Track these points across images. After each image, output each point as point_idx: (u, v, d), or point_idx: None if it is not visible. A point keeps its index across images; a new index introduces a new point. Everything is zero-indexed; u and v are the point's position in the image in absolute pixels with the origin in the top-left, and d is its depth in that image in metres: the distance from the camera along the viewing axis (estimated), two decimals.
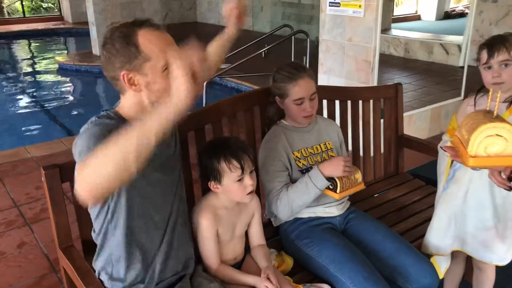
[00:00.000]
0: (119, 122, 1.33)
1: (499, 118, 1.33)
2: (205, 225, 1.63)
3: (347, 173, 1.77)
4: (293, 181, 1.90)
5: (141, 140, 1.08)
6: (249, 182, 1.63)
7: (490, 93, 1.45)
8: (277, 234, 2.04)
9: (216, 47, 1.79)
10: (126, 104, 1.39)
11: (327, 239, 1.84)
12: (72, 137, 4.59)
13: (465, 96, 4.78)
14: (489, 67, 1.73)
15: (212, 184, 1.64)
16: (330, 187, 1.78)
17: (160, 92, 1.32)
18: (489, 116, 1.32)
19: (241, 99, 2.00)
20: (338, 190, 1.77)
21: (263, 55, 6.43)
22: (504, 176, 1.49)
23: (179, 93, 1.08)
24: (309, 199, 1.82)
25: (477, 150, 1.28)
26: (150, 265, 1.49)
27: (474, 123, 1.30)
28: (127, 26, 1.33)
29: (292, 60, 5.52)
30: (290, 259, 1.90)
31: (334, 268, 1.74)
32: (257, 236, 1.80)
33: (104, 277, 1.49)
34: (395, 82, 2.58)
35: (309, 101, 1.88)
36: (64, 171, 1.58)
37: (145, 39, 1.30)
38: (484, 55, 1.73)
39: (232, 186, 1.62)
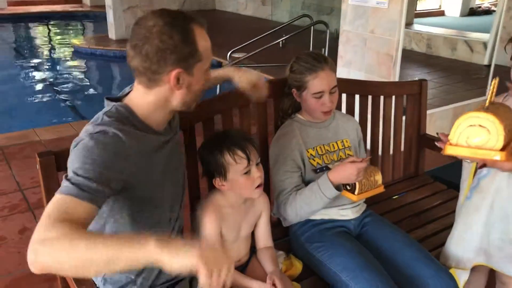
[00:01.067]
0: (127, 125, 1.23)
1: (490, 108, 1.21)
2: (208, 223, 1.51)
3: (359, 171, 1.60)
4: (306, 181, 1.77)
5: (109, 263, 0.93)
6: (257, 174, 1.51)
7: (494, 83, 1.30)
8: (286, 235, 1.91)
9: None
10: (148, 96, 1.26)
11: (340, 244, 1.71)
12: (83, 122, 4.53)
13: None
14: None
15: (217, 182, 1.51)
16: (348, 187, 1.65)
17: (197, 93, 1.29)
18: (483, 105, 1.23)
19: None
20: (356, 192, 1.64)
21: (280, 45, 6.27)
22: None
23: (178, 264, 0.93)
24: (318, 207, 1.70)
25: (458, 138, 1.24)
26: (147, 269, 1.38)
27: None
28: (181, 19, 1.20)
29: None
30: (299, 263, 1.77)
31: (346, 276, 1.61)
32: (264, 238, 1.68)
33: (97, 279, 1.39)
34: (416, 78, 2.43)
35: (329, 95, 1.74)
36: (60, 159, 1.47)
37: (201, 38, 1.22)
38: None
39: (239, 180, 1.49)
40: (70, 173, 1.13)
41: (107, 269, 0.96)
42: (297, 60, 1.78)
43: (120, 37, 7.69)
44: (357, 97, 2.22)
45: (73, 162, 1.14)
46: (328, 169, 1.80)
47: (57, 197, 1.09)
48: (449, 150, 1.27)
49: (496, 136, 1.21)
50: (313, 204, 1.69)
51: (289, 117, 1.88)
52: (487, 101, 1.26)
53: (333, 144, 1.85)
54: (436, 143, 1.50)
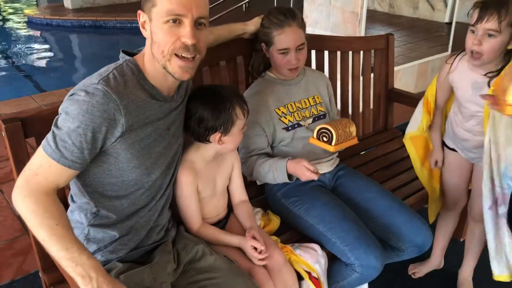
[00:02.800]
0: (129, 82, 1.24)
1: None
2: (185, 182, 1.49)
3: (308, 178, 1.62)
4: (277, 139, 1.78)
5: (44, 241, 1.13)
6: (245, 129, 1.55)
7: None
8: (262, 193, 1.93)
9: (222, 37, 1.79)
10: (145, 50, 1.30)
11: (316, 197, 1.74)
12: (44, 94, 4.38)
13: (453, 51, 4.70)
14: (474, 31, 1.55)
15: (217, 137, 1.47)
16: (325, 139, 1.66)
17: (157, 45, 1.22)
18: None
19: (223, 47, 1.83)
20: (333, 143, 1.64)
21: (244, 9, 6.17)
22: None
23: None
24: (270, 181, 1.75)
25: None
26: (134, 230, 1.37)
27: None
28: None
29: None
30: (277, 218, 1.80)
31: (323, 227, 1.64)
32: (238, 191, 1.68)
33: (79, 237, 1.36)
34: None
35: (295, 52, 1.71)
36: (28, 125, 1.41)
37: None
38: (474, 15, 1.54)
39: (238, 135, 1.51)
40: (60, 122, 1.17)
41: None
42: (267, 15, 1.75)
43: (76, 6, 7.40)
44: (326, 53, 2.21)
45: (65, 116, 1.16)
46: (300, 126, 1.80)
47: (42, 155, 1.17)
48: (510, 111, 1.33)
49: None
50: (266, 178, 1.73)
51: (259, 75, 1.86)
52: None
53: (304, 101, 1.85)
54: (488, 105, 1.53)
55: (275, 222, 1.78)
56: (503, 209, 1.71)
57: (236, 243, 1.53)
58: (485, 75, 1.62)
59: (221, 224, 1.65)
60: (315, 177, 1.59)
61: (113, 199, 1.32)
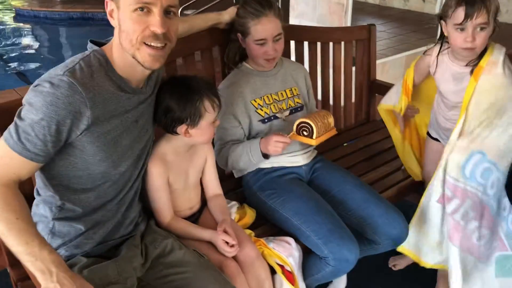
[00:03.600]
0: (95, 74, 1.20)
1: None
2: (155, 174, 1.46)
3: (279, 148, 1.60)
4: (254, 131, 1.75)
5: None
6: (217, 123, 1.50)
7: None
8: (240, 186, 1.90)
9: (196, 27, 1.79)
10: (114, 41, 1.25)
11: (291, 190, 1.71)
12: (27, 87, 4.31)
13: None
14: (463, 29, 1.52)
15: (183, 129, 1.44)
16: (305, 133, 1.62)
17: (125, 34, 1.19)
18: None
19: (198, 37, 1.79)
20: (314, 136, 1.61)
21: (234, 1, 6.12)
22: None
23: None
24: (245, 166, 1.74)
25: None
26: (100, 224, 1.34)
27: None
28: None
29: None
30: (252, 212, 1.78)
31: (298, 220, 1.62)
32: (212, 184, 1.65)
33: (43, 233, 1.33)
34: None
35: (273, 42, 1.68)
36: None
37: None
38: (461, 14, 1.50)
39: (207, 128, 1.46)
40: (23, 114, 1.13)
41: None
42: (243, 4, 1.71)
43: None
44: (306, 44, 2.19)
45: (29, 108, 1.13)
46: (276, 118, 1.78)
47: (3, 146, 1.14)
48: None
49: None
50: (241, 163, 1.70)
51: (236, 66, 1.83)
52: None
53: (281, 93, 1.82)
54: None
55: (251, 215, 1.76)
56: (452, 206, 1.68)
57: (207, 237, 1.50)
58: (466, 65, 1.61)
59: (195, 217, 1.62)
60: (288, 141, 1.58)
61: (78, 192, 1.28)
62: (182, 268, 1.36)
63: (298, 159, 1.81)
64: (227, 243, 1.46)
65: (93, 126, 1.19)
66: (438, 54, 1.71)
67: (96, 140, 1.22)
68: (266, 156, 1.65)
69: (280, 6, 4.91)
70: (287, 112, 1.81)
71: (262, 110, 1.77)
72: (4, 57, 5.63)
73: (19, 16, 7.24)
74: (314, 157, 1.89)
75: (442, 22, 1.61)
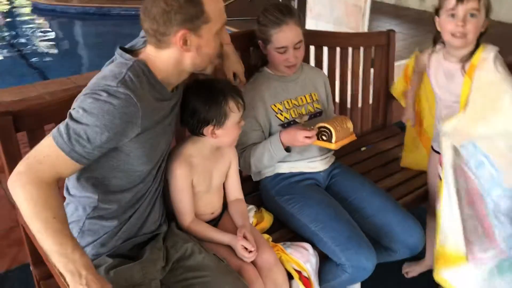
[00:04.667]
0: (145, 87, 1.24)
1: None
2: (179, 175, 1.49)
3: (305, 144, 1.63)
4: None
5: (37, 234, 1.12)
6: (242, 123, 1.52)
7: None
8: (257, 190, 1.92)
9: None
10: (160, 57, 1.28)
11: (309, 196, 1.73)
12: (46, 82, 4.37)
13: None
14: (453, 15, 1.55)
15: (209, 130, 1.46)
16: (324, 138, 1.63)
17: (207, 56, 1.30)
18: None
19: None
20: (333, 140, 1.62)
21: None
22: None
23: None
24: (269, 163, 1.74)
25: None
26: (128, 221, 1.38)
27: None
28: None
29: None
30: (269, 216, 1.79)
31: (315, 226, 1.64)
32: (234, 188, 1.67)
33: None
34: (387, 29, 2.40)
35: (293, 50, 1.70)
36: (19, 119, 1.41)
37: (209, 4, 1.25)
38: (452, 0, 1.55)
39: (233, 128, 1.49)
40: (76, 116, 1.15)
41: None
42: (264, 12, 1.72)
43: None
44: (325, 49, 2.19)
45: (83, 113, 1.15)
46: (295, 123, 1.79)
47: (51, 145, 1.15)
48: None
49: None
50: (263, 161, 1.71)
51: (257, 70, 1.85)
52: None
53: (301, 98, 1.84)
54: None
55: (268, 220, 1.78)
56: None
57: (227, 242, 1.52)
58: (458, 62, 1.63)
59: (215, 222, 1.64)
60: (311, 134, 1.60)
61: (117, 193, 1.34)
62: (201, 272, 1.39)
63: (316, 165, 1.83)
64: (246, 248, 1.48)
65: (141, 134, 1.24)
66: (432, 52, 1.74)
67: (141, 146, 1.28)
68: (288, 149, 1.67)
69: (296, 7, 4.92)
70: (306, 117, 1.82)
71: (282, 115, 1.78)
72: (22, 51, 5.69)
73: (36, 9, 7.30)
74: (332, 163, 1.90)
75: (436, 18, 1.64)
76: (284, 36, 1.67)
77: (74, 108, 1.18)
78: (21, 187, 1.11)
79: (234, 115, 1.46)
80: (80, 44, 6.22)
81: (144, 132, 1.25)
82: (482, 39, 1.61)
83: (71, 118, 1.16)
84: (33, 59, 5.39)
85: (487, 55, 1.59)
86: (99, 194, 1.31)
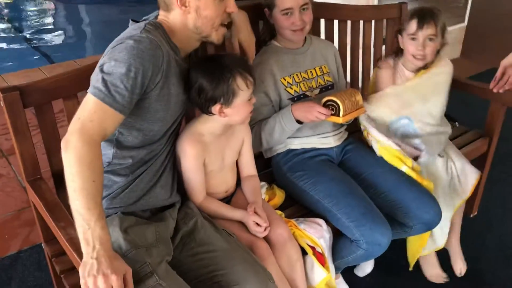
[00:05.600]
0: (162, 41, 1.30)
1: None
2: (191, 155, 1.45)
3: (318, 119, 1.60)
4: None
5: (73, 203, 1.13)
6: (253, 101, 1.46)
7: None
8: (269, 167, 1.89)
9: None
10: (169, 20, 1.37)
11: (322, 171, 1.69)
12: (53, 66, 4.36)
13: (469, 23, 4.55)
14: (414, 39, 1.77)
15: (217, 108, 1.40)
16: (332, 111, 1.60)
17: (207, 19, 1.34)
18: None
19: None
20: (341, 114, 1.59)
21: None
22: None
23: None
24: (280, 137, 1.70)
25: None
26: (139, 177, 1.38)
27: None
28: None
29: None
30: (281, 193, 1.77)
31: (329, 202, 1.60)
32: (248, 165, 1.63)
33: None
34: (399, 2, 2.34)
35: (299, 12, 1.65)
36: (26, 95, 1.39)
37: None
38: (413, 25, 1.76)
39: (243, 106, 1.42)
40: (108, 69, 1.20)
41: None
42: None
43: None
44: (335, 22, 2.14)
45: (115, 63, 1.20)
46: (306, 96, 1.75)
47: (94, 101, 1.18)
48: None
49: None
50: (275, 135, 1.68)
51: (265, 44, 1.80)
52: None
53: (310, 71, 1.79)
54: None
55: (280, 196, 1.75)
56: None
57: (239, 218, 1.50)
58: (414, 71, 1.87)
59: (228, 199, 1.62)
60: (323, 117, 1.58)
61: (131, 149, 1.35)
62: (211, 246, 1.37)
63: (329, 141, 1.79)
64: (258, 225, 1.45)
65: (161, 82, 1.29)
66: (396, 64, 1.91)
67: (159, 100, 1.31)
68: (299, 121, 1.64)
69: None
70: (317, 91, 1.79)
71: (291, 88, 1.74)
72: (27, 35, 5.66)
73: None
74: (345, 139, 1.86)
75: (399, 36, 1.85)
76: None
77: (104, 63, 1.22)
78: (73, 145, 1.14)
79: (242, 92, 1.40)
80: (86, 29, 6.18)
81: (164, 81, 1.30)
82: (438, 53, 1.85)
83: (104, 72, 1.20)
84: (39, 43, 5.37)
85: (442, 69, 1.87)
86: (114, 149, 1.34)
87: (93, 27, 6.18)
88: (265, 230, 1.45)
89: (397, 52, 1.90)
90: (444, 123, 1.94)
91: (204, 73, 1.38)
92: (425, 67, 1.86)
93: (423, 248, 1.85)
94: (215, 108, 1.41)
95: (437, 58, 1.87)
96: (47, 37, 5.65)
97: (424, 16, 1.74)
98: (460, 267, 1.99)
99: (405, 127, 1.87)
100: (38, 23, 6.23)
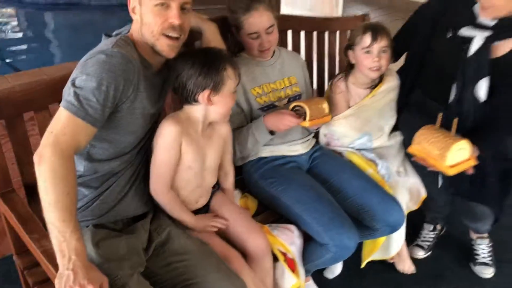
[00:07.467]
0: (131, 54, 1.32)
1: (455, 135, 1.61)
2: (168, 131, 1.41)
3: (290, 126, 1.68)
4: (254, 119, 1.78)
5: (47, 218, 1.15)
6: (235, 96, 1.51)
7: None
8: (240, 174, 1.93)
9: None
10: (133, 29, 1.40)
11: (292, 178, 1.75)
12: (19, 73, 4.26)
13: None
14: (369, 52, 1.82)
15: (205, 95, 1.41)
16: (299, 117, 1.68)
17: (147, 26, 1.34)
18: (445, 133, 1.62)
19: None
20: (307, 118, 1.67)
21: None
22: None
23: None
24: (253, 148, 1.75)
25: (451, 161, 1.58)
26: (109, 188, 1.40)
27: (438, 141, 1.59)
28: None
29: None
30: (254, 200, 1.82)
31: (299, 208, 1.66)
32: (227, 163, 1.66)
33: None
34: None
35: (266, 34, 1.71)
36: None
37: None
38: (367, 39, 1.82)
39: (228, 98, 1.46)
40: (80, 83, 1.23)
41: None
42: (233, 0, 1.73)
43: None
44: (302, 34, 2.21)
45: (87, 77, 1.23)
46: (275, 106, 1.81)
47: (66, 115, 1.21)
48: (452, 171, 1.61)
49: None
50: (248, 145, 1.73)
51: (235, 55, 1.85)
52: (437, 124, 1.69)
53: (279, 82, 1.85)
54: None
55: (253, 204, 1.80)
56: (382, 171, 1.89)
57: (189, 221, 1.50)
58: (366, 88, 1.94)
59: (203, 211, 1.60)
60: (296, 122, 1.65)
61: (102, 161, 1.38)
62: (184, 256, 1.40)
63: (297, 148, 1.85)
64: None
65: (134, 94, 1.33)
66: (347, 86, 1.95)
67: (131, 111, 1.34)
68: (272, 132, 1.70)
69: None
70: (285, 101, 1.85)
71: (261, 98, 1.79)
72: None
73: (4, 1, 7.08)
74: (313, 146, 1.93)
75: (349, 52, 1.89)
76: (254, 21, 1.68)
77: (76, 77, 1.25)
78: (47, 159, 1.16)
79: (231, 82, 1.44)
80: (50, 36, 6.07)
81: (136, 96, 1.33)
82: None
83: (76, 86, 1.23)
84: (3, 51, 5.24)
85: (390, 84, 1.94)
86: (85, 162, 1.36)
87: (59, 33, 6.07)
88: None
89: (347, 70, 1.95)
90: (396, 135, 2.02)
91: (195, 61, 1.41)
92: (377, 82, 1.94)
93: (374, 253, 1.92)
94: (204, 95, 1.42)
95: (387, 71, 1.95)
96: (10, 44, 5.53)
97: (376, 29, 1.82)
98: (409, 266, 2.09)
99: (365, 142, 1.96)
100: (1, 28, 6.09)
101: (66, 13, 6.67)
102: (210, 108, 1.46)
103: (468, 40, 1.69)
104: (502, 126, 1.73)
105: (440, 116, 1.67)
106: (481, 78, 1.69)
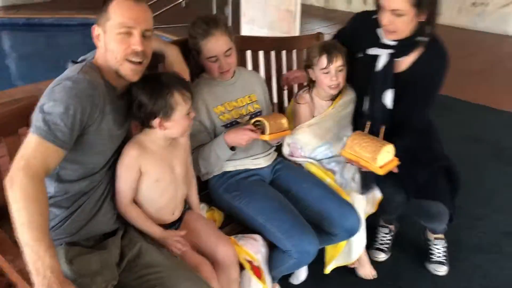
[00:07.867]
0: (96, 79, 1.40)
1: (381, 140, 1.80)
2: (127, 153, 1.52)
3: (250, 140, 1.78)
4: (217, 136, 1.87)
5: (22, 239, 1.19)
6: (192, 115, 1.57)
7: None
8: (206, 188, 2.02)
9: None
10: (98, 55, 1.47)
11: (255, 191, 1.85)
12: None
13: None
14: (327, 72, 1.96)
15: (157, 122, 1.50)
16: (260, 131, 1.79)
17: (111, 52, 1.41)
18: (374, 138, 1.80)
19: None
20: (267, 132, 1.78)
21: (183, 5, 6.18)
22: None
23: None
24: (215, 163, 1.85)
25: (381, 162, 1.75)
26: (80, 208, 1.46)
27: (369, 146, 1.76)
28: None
29: (214, 10, 5.35)
30: (220, 213, 1.91)
31: (262, 218, 1.76)
32: (190, 172, 1.76)
33: None
34: (317, 32, 2.59)
35: (225, 57, 1.81)
36: None
37: (115, 3, 1.41)
38: (324, 61, 1.95)
39: (182, 120, 1.52)
40: (48, 109, 1.30)
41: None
42: (192, 25, 1.83)
43: (8, 3, 7.07)
44: (261, 53, 2.33)
45: (54, 103, 1.30)
46: (237, 123, 1.91)
47: (36, 139, 1.28)
48: (382, 171, 1.77)
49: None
50: (210, 161, 1.83)
51: (197, 76, 1.95)
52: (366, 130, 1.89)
53: (241, 100, 1.96)
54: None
55: (219, 216, 1.89)
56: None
57: (157, 235, 1.56)
58: (327, 100, 2.08)
59: (175, 226, 1.67)
60: (256, 136, 1.76)
61: (72, 182, 1.44)
62: (156, 268, 1.47)
63: (260, 161, 1.96)
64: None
65: (100, 117, 1.40)
66: (311, 97, 2.09)
67: (98, 133, 1.41)
68: (233, 148, 1.80)
69: (230, 12, 5.02)
70: (247, 117, 1.95)
71: (224, 116, 1.89)
72: None
73: None
74: (274, 159, 2.04)
75: (309, 70, 2.03)
76: (212, 46, 1.78)
77: (44, 103, 1.32)
78: (19, 182, 1.22)
79: (180, 107, 1.50)
80: (11, 57, 6.00)
81: (102, 119, 1.40)
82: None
83: (45, 112, 1.30)
84: None
85: (349, 97, 2.09)
86: (56, 184, 1.43)
87: (19, 54, 6.02)
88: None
89: (310, 84, 2.10)
90: None
91: (144, 90, 1.49)
92: (337, 94, 2.08)
93: (336, 259, 2.03)
94: (155, 122, 1.51)
95: (343, 91, 2.10)
96: None
97: (331, 51, 1.94)
98: (370, 271, 2.20)
99: (325, 151, 2.09)
100: None
101: (27, 34, 6.61)
102: (166, 131, 1.54)
103: (375, 58, 1.94)
104: (405, 130, 1.94)
105: (368, 124, 1.90)
106: (386, 89, 1.93)
